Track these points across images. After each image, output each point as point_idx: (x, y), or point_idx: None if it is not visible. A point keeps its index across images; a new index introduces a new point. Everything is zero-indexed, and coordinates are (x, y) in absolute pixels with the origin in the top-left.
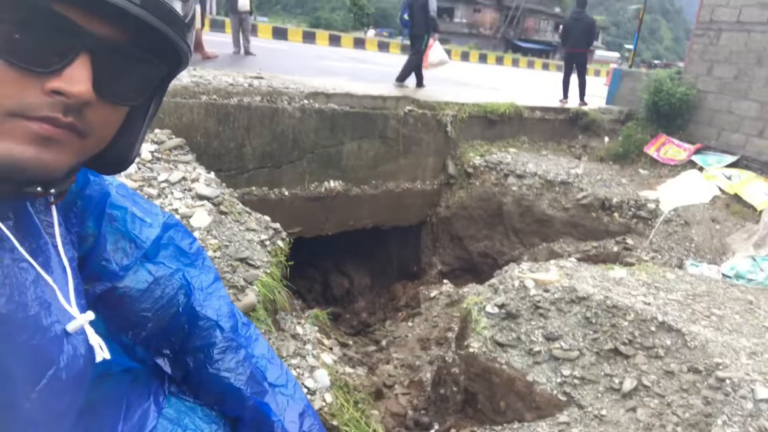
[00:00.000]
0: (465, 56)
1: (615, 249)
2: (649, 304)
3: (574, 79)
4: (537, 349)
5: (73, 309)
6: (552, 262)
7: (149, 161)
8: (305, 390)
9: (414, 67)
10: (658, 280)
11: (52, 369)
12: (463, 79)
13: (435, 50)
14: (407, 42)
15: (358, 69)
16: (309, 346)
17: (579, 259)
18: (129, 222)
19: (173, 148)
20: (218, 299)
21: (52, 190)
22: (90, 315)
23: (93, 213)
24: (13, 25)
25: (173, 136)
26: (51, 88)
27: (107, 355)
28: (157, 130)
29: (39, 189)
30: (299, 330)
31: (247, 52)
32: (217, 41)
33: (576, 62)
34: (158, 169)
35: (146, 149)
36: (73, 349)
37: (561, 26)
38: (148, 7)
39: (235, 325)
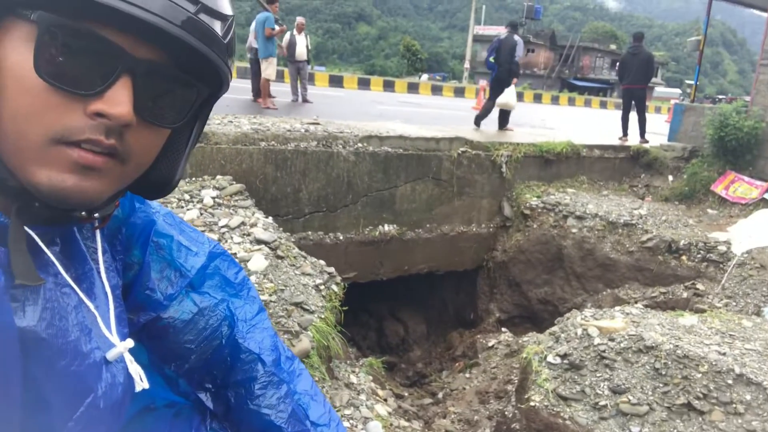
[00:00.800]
0: (519, 96)
1: (684, 295)
2: (724, 354)
3: (633, 116)
4: (603, 403)
5: (113, 336)
6: (617, 308)
7: (211, 207)
8: None
9: (492, 108)
10: (734, 329)
11: (90, 397)
12: (517, 119)
13: (507, 92)
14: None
15: (412, 112)
16: (363, 396)
17: (646, 306)
18: (175, 250)
19: (234, 194)
20: (261, 331)
21: (96, 215)
22: (130, 343)
23: (138, 241)
24: (57, 49)
25: (234, 182)
26: (94, 111)
27: (146, 385)
28: (218, 176)
29: (83, 213)
30: (353, 379)
31: (305, 100)
32: (275, 89)
33: (635, 98)
34: (219, 215)
35: (208, 195)
36: (111, 378)
37: (618, 62)
38: (188, 27)
39: (277, 359)
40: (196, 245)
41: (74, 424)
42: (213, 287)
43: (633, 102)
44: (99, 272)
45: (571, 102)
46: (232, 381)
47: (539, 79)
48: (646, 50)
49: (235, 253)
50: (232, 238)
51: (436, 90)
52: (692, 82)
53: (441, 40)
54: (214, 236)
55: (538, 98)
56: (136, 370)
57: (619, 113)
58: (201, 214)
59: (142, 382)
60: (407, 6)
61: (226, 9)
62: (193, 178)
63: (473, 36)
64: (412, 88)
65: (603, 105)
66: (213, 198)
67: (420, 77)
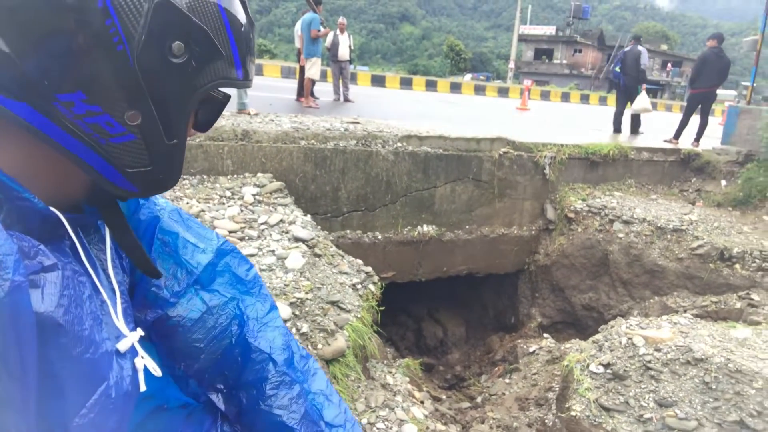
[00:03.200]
0: (566, 97)
1: (737, 305)
2: None
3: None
4: (648, 415)
5: (123, 327)
6: (664, 317)
7: (251, 204)
8: None
9: (622, 114)
10: None
11: (103, 385)
12: (563, 120)
13: (640, 98)
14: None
15: (453, 112)
16: (399, 398)
17: (695, 315)
18: (180, 247)
19: (273, 192)
20: (273, 330)
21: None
22: (139, 332)
23: (143, 238)
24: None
25: (274, 180)
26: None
27: (158, 372)
28: (259, 174)
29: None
30: (390, 380)
31: (346, 99)
32: (318, 89)
33: (707, 101)
34: (259, 212)
35: (249, 192)
36: (120, 368)
37: (698, 62)
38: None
39: (290, 359)
40: (204, 242)
41: (87, 411)
42: (223, 285)
43: (700, 105)
44: (105, 268)
45: None
46: (243, 381)
47: (586, 79)
48: (726, 55)
49: (273, 251)
50: (271, 235)
51: (479, 90)
52: (748, 84)
53: (485, 40)
54: (254, 233)
55: (585, 99)
56: (145, 361)
57: (670, 115)
58: (241, 210)
59: (155, 372)
60: (451, 6)
61: None
62: (235, 175)
63: (518, 36)
64: (455, 87)
65: (653, 106)
66: (253, 195)
67: (463, 77)
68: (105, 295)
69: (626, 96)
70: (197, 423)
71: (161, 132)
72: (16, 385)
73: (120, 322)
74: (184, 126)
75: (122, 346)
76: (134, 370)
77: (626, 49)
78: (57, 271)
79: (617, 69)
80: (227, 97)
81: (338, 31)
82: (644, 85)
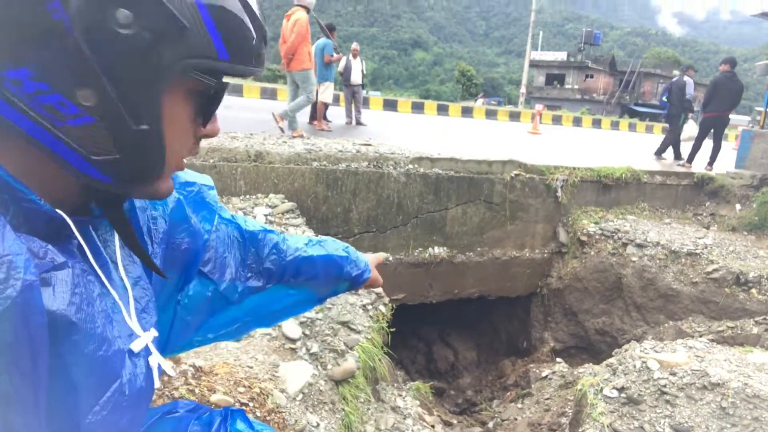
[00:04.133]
0: (577, 122)
1: (755, 330)
2: None
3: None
4: None
5: (136, 327)
6: (679, 341)
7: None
8: None
9: (671, 142)
10: None
11: (116, 383)
12: (575, 144)
13: (688, 127)
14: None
15: (464, 136)
16: (409, 421)
17: (711, 340)
18: (205, 192)
19: (285, 212)
20: (245, 221)
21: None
22: (153, 332)
23: (188, 203)
24: (208, 101)
25: (286, 200)
26: (206, 133)
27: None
28: (271, 195)
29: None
30: (400, 403)
31: (359, 123)
32: (331, 113)
33: (720, 125)
34: None
35: (261, 213)
36: (133, 366)
37: (711, 86)
38: (262, 66)
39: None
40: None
41: (100, 408)
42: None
43: (712, 130)
44: (115, 262)
45: (632, 128)
46: (265, 256)
47: (598, 104)
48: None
49: None
50: None
51: (491, 114)
52: (762, 109)
53: (497, 66)
54: None
55: (597, 123)
56: (159, 360)
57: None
58: None
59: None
60: (463, 32)
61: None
62: (247, 196)
63: (530, 61)
64: (466, 112)
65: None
66: (265, 215)
67: (475, 101)
68: (116, 295)
69: (673, 123)
70: (206, 424)
71: (123, 114)
72: (28, 384)
73: (133, 322)
74: (157, 110)
75: (136, 346)
76: (148, 368)
77: (674, 78)
78: (68, 269)
79: (664, 98)
80: (222, 85)
81: (351, 56)
82: (690, 114)
